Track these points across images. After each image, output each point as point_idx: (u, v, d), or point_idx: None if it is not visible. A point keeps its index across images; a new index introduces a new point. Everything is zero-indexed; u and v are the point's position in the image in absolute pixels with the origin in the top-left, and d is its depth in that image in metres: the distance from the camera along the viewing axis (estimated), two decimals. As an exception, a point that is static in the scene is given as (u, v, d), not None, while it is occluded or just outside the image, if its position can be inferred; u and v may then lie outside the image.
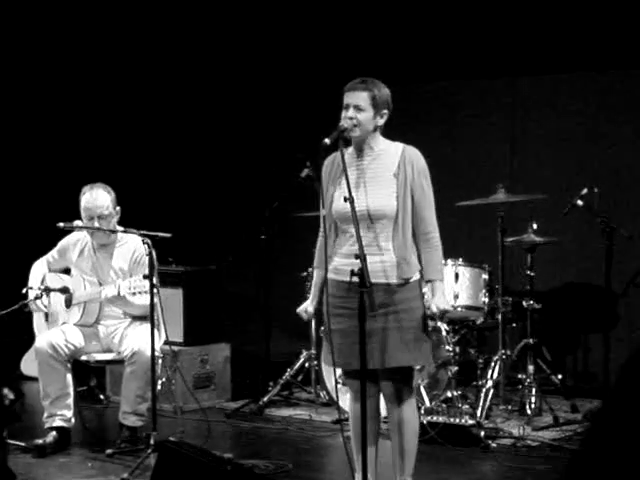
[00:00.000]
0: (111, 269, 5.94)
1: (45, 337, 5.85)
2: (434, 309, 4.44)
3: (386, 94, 4.43)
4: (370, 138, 4.43)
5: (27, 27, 8.62)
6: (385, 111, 4.42)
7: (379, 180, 4.40)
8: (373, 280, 4.22)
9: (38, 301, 6.04)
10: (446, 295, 4.67)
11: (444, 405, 6.00)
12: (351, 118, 4.36)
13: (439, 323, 6.22)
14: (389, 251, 4.37)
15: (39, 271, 6.16)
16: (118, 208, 5.96)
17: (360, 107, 4.36)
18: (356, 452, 4.52)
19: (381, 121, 4.42)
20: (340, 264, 4.42)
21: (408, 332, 4.35)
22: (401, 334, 4.34)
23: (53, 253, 6.18)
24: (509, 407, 6.47)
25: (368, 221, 4.35)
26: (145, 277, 5.45)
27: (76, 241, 6.08)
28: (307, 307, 4.69)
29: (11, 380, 7.27)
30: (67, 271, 6.20)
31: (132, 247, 5.91)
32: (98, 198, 5.88)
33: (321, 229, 4.61)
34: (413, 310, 4.39)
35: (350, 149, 4.50)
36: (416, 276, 4.42)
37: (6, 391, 5.05)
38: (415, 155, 4.43)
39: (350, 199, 4.21)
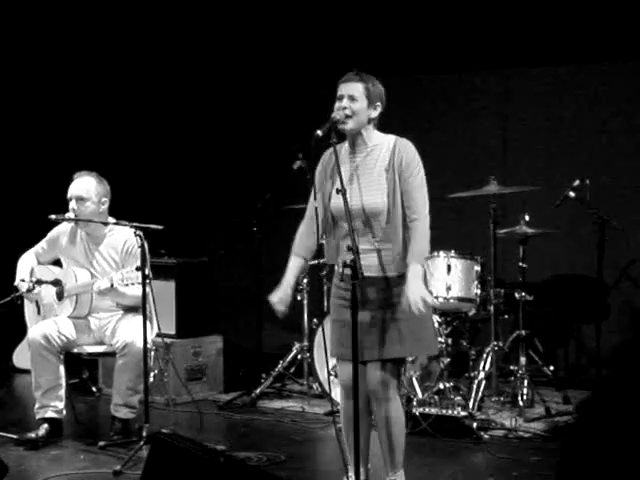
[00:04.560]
0: (103, 259, 5.94)
1: (38, 328, 5.84)
2: (405, 301, 4.25)
3: (380, 88, 4.45)
4: (364, 131, 4.42)
5: (20, 21, 8.59)
6: (378, 104, 4.42)
7: (371, 176, 4.39)
8: (370, 274, 4.22)
9: (29, 294, 6.02)
10: (422, 281, 4.28)
11: (436, 397, 6.01)
12: (344, 108, 4.36)
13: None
14: (387, 245, 4.36)
15: (27, 264, 6.13)
16: (105, 199, 5.94)
17: (354, 97, 4.37)
18: (348, 446, 4.51)
19: (374, 113, 4.42)
20: (343, 258, 4.42)
21: (405, 324, 4.33)
22: (398, 326, 4.33)
23: (42, 244, 6.17)
24: (501, 398, 6.48)
25: (363, 217, 4.36)
26: (138, 269, 5.45)
27: (66, 230, 6.07)
28: (281, 296, 4.55)
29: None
30: (56, 263, 6.19)
31: (123, 238, 5.90)
32: (82, 181, 5.91)
33: (306, 216, 4.59)
34: None
35: (345, 144, 4.49)
36: None
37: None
38: (405, 146, 4.41)
39: (342, 191, 4.20)
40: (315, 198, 4.47)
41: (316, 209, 4.45)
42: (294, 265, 4.63)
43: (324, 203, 4.49)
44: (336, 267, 4.55)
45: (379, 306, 4.37)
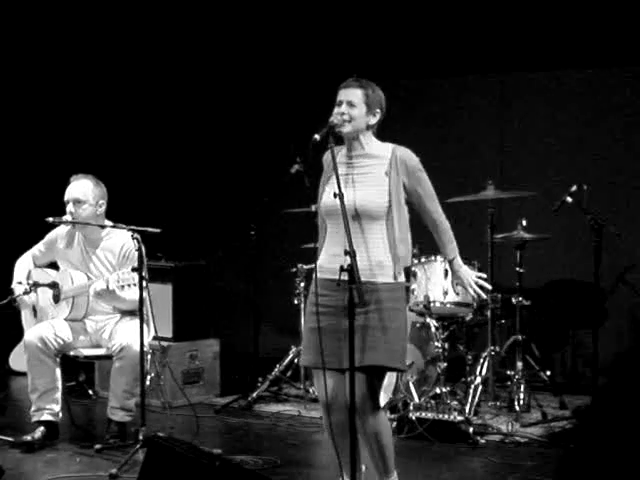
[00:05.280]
0: (100, 262, 5.94)
1: (35, 331, 5.83)
2: (467, 285, 4.51)
3: (380, 95, 4.45)
4: (362, 136, 4.42)
5: (19, 22, 8.59)
6: (378, 110, 4.42)
7: (369, 178, 4.38)
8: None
9: (26, 297, 6.02)
10: (465, 268, 4.58)
11: (433, 401, 6.01)
12: (342, 113, 4.36)
13: (428, 319, 6.23)
14: (377, 249, 4.34)
15: (24, 267, 6.13)
16: (102, 202, 5.94)
17: (353, 103, 4.37)
18: (342, 459, 4.45)
19: (373, 120, 4.42)
20: (325, 262, 4.41)
21: (388, 332, 4.29)
22: (381, 334, 4.28)
23: (39, 247, 6.17)
24: (498, 403, 6.49)
25: (355, 217, 4.34)
26: (133, 270, 5.45)
27: (63, 232, 6.07)
28: None
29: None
30: (53, 266, 6.18)
31: (120, 241, 5.91)
32: (79, 184, 5.92)
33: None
34: (396, 311, 4.34)
35: (343, 148, 4.49)
36: (402, 278, 4.40)
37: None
38: (406, 154, 4.42)
39: (340, 195, 4.20)
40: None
41: (316, 213, 4.46)
42: None
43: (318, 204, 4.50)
44: (315, 273, 4.49)
45: (364, 312, 4.28)
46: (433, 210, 4.48)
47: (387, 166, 4.38)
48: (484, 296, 4.63)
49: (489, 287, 4.55)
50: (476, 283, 4.50)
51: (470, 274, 4.54)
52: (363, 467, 4.57)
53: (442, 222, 4.53)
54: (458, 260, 4.58)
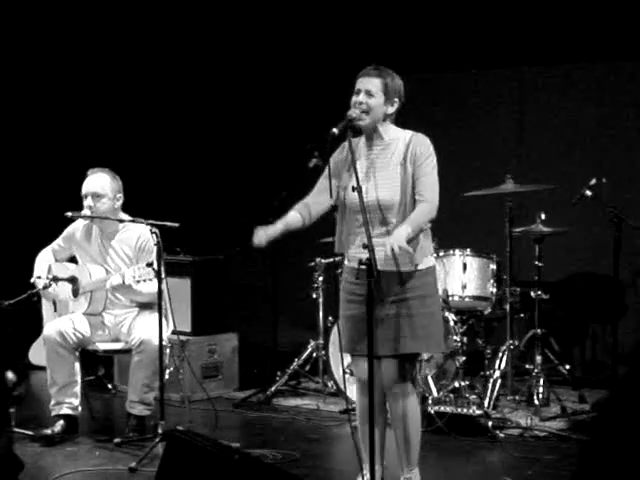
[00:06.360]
0: (117, 255, 5.95)
1: (54, 325, 5.86)
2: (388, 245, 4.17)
3: (398, 84, 4.44)
4: (380, 126, 4.43)
5: (29, 18, 8.62)
6: (396, 100, 4.43)
7: (387, 170, 4.40)
8: (385, 268, 4.24)
9: (46, 291, 6.04)
10: (405, 236, 4.15)
11: (452, 395, 6.00)
12: (361, 103, 4.36)
13: (447, 313, 6.21)
14: None
15: (44, 261, 6.16)
16: (119, 195, 5.96)
17: (371, 92, 4.38)
18: (364, 443, 4.52)
19: (391, 109, 4.42)
20: (354, 252, 4.45)
21: (419, 319, 4.35)
22: (412, 321, 4.34)
23: (59, 241, 6.19)
24: (517, 397, 6.46)
25: (378, 211, 4.36)
26: (148, 265, 5.46)
27: (82, 227, 6.09)
28: (266, 230, 4.59)
29: (15, 365, 7.28)
30: (73, 260, 6.20)
31: (136, 234, 5.92)
32: (97, 178, 5.94)
33: (315, 190, 4.63)
34: (425, 298, 4.39)
35: (362, 139, 4.50)
36: (428, 263, 4.40)
37: (10, 374, 5.06)
38: (421, 141, 4.42)
39: (358, 189, 4.20)
40: (330, 179, 4.42)
41: (331, 191, 4.43)
42: (290, 216, 4.60)
43: (339, 194, 4.49)
44: (346, 261, 4.55)
45: (392, 301, 4.37)
46: (425, 193, 4.31)
47: (402, 157, 4.38)
48: (389, 252, 4.10)
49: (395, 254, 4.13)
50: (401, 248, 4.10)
51: (401, 240, 4.11)
52: (384, 463, 4.59)
53: (425, 205, 4.29)
54: (404, 226, 4.20)
